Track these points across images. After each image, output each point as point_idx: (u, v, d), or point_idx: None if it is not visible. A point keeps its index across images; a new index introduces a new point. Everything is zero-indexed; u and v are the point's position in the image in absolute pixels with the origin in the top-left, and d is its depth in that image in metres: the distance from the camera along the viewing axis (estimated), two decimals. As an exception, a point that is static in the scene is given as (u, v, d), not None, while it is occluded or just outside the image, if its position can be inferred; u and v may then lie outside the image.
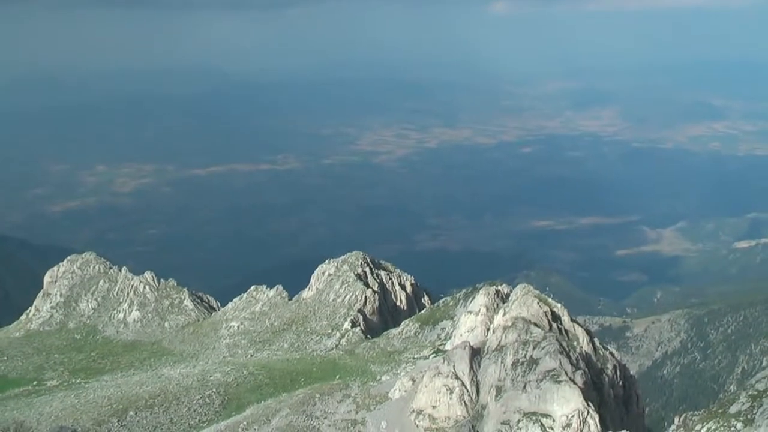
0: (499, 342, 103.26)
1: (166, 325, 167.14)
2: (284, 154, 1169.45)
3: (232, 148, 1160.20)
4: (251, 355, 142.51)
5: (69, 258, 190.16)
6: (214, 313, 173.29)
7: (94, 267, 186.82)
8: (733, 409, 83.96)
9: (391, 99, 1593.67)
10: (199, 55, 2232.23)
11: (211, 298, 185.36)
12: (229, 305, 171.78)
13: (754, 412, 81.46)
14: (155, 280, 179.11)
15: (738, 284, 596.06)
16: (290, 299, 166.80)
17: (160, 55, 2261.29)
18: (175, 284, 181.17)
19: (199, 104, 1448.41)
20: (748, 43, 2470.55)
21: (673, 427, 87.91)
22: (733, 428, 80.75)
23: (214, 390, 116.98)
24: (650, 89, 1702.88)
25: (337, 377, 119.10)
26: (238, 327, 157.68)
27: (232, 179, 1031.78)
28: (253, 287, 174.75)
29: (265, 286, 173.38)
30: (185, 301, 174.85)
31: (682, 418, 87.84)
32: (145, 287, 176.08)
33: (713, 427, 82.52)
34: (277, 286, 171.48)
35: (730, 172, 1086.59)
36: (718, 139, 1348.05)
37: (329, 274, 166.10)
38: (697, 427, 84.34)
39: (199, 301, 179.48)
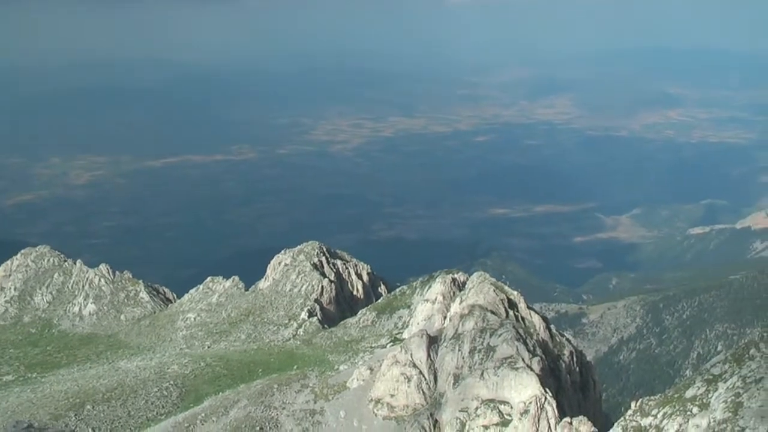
0: (456, 330, 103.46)
1: (122, 317, 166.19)
2: (240, 144, 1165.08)
3: (188, 139, 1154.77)
4: (208, 347, 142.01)
5: (23, 251, 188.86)
6: (170, 305, 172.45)
7: (48, 260, 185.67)
8: (688, 394, 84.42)
9: (347, 89, 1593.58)
10: (153, 46, 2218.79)
11: (167, 290, 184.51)
12: (186, 297, 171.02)
13: (710, 396, 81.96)
14: (110, 272, 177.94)
15: (693, 270, 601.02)
16: (247, 290, 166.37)
17: (115, 46, 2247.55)
18: (131, 276, 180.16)
19: (153, 95, 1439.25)
20: (702, 32, 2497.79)
21: (629, 411, 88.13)
22: (689, 412, 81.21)
23: (172, 382, 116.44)
24: (605, 77, 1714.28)
25: (295, 367, 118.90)
26: (194, 319, 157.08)
27: (188, 170, 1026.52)
28: (209, 278, 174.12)
29: (221, 277, 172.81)
30: (141, 294, 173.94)
31: (638, 403, 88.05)
32: (100, 280, 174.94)
33: (669, 412, 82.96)
34: (234, 277, 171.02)
35: (684, 159, 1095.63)
36: (673, 127, 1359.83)
37: (285, 265, 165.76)
38: (654, 412, 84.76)
39: (155, 293, 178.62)
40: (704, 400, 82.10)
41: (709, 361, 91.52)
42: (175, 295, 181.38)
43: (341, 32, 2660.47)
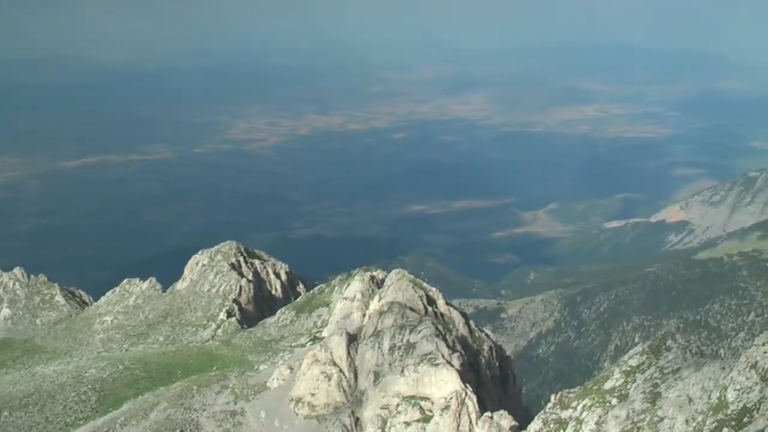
0: (376, 327, 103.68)
1: (38, 321, 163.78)
2: (156, 144, 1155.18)
3: (103, 140, 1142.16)
4: (126, 350, 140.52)
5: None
6: (87, 308, 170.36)
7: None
8: (607, 386, 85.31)
9: (263, 87, 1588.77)
10: (68, 44, 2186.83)
11: (83, 293, 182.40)
12: (102, 299, 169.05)
13: (628, 387, 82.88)
14: (25, 276, 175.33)
15: (609, 263, 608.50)
16: (164, 291, 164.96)
17: (29, 44, 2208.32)
18: (46, 280, 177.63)
19: (68, 95, 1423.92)
20: (616, 28, 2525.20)
21: (549, 404, 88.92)
22: (608, 404, 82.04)
23: (90, 386, 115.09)
24: (520, 73, 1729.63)
25: (215, 368, 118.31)
26: (111, 321, 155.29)
27: (104, 171, 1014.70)
28: (125, 280, 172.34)
29: (138, 279, 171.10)
30: (57, 297, 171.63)
31: (558, 396, 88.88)
32: (14, 284, 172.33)
33: (589, 404, 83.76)
34: (151, 278, 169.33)
35: (599, 154, 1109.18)
36: (588, 122, 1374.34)
37: (203, 265, 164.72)
38: (573, 404, 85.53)
39: (71, 296, 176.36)
40: (623, 392, 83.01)
41: (627, 353, 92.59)
42: (91, 298, 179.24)
43: (256, 29, 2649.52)
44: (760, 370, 70.27)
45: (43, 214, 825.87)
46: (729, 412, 69.89)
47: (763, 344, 72.12)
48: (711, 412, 71.57)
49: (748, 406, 68.72)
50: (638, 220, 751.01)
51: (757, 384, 69.56)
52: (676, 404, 76.08)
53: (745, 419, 68.09)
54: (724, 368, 75.46)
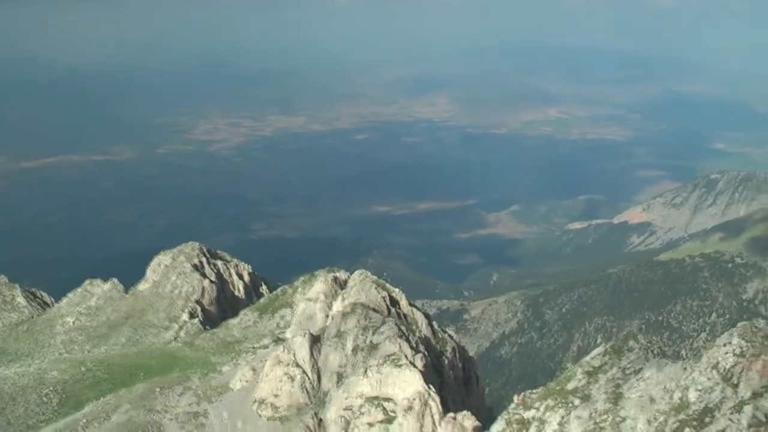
0: (339, 328, 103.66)
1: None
2: (118, 144, 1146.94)
3: (65, 140, 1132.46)
4: (88, 351, 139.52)
5: None
6: (48, 309, 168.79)
7: None
8: (570, 386, 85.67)
9: (225, 86, 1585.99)
10: (28, 44, 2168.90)
11: (44, 294, 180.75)
12: (64, 300, 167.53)
13: (591, 387, 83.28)
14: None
15: (572, 264, 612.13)
16: (126, 292, 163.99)
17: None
18: (7, 281, 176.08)
19: (29, 95, 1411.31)
20: (579, 30, 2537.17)
21: (512, 405, 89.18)
22: (570, 404, 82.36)
23: (51, 388, 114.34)
24: (484, 76, 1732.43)
25: (177, 370, 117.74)
26: (73, 323, 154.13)
27: (65, 171, 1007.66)
28: (87, 281, 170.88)
29: (99, 280, 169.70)
30: (17, 298, 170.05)
31: (521, 397, 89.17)
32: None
33: (552, 404, 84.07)
34: (112, 279, 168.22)
35: (562, 156, 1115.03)
36: (551, 124, 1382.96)
37: (165, 266, 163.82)
38: (536, 405, 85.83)
39: (32, 297, 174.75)
40: (585, 392, 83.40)
41: (589, 354, 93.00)
42: (53, 299, 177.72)
43: (216, 29, 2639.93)
44: (721, 371, 70.79)
45: (2, 215, 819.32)
46: (691, 412, 70.35)
47: (725, 345, 72.64)
48: (673, 412, 72.00)
49: (710, 406, 69.22)
50: (600, 222, 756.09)
51: (718, 384, 70.07)
52: (638, 404, 76.46)
53: (707, 419, 68.56)
54: (685, 369, 75.90)
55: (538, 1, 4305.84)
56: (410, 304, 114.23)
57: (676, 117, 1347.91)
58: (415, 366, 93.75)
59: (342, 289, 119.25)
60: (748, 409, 66.36)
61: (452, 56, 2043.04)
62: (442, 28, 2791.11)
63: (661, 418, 73.15)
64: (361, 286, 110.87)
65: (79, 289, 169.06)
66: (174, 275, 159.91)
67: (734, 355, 71.13)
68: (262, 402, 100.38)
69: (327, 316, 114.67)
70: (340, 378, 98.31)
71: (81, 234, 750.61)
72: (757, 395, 67.09)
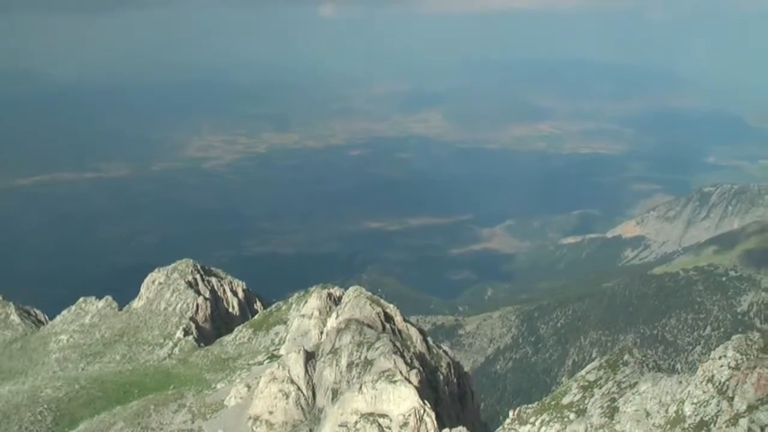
0: (333, 345, 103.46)
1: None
2: (111, 161, 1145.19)
3: (57, 156, 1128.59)
4: (82, 369, 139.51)
5: None
6: (42, 327, 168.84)
7: None
8: (565, 401, 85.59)
9: (219, 103, 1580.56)
10: (19, 57, 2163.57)
11: (38, 312, 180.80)
12: (58, 318, 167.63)
13: (586, 402, 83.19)
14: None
15: (566, 279, 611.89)
16: (120, 309, 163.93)
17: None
18: (1, 299, 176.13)
19: (20, 110, 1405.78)
20: (571, 44, 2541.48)
21: (507, 420, 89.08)
22: (566, 419, 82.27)
23: (46, 406, 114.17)
24: (476, 91, 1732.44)
25: (172, 387, 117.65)
26: (67, 340, 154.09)
27: (58, 188, 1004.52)
28: (81, 299, 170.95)
29: (94, 297, 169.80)
30: (12, 316, 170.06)
31: (516, 412, 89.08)
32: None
33: (547, 419, 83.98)
34: (107, 296, 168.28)
35: (555, 170, 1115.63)
36: (544, 139, 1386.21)
37: (159, 283, 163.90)
38: (532, 420, 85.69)
39: (26, 314, 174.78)
40: (581, 406, 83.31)
41: (584, 368, 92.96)
42: (47, 317, 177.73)
43: (211, 45, 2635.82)
44: (716, 384, 70.72)
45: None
46: (686, 425, 70.27)
47: (720, 358, 72.58)
48: (668, 426, 71.92)
49: (705, 419, 69.13)
50: (594, 236, 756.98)
51: (713, 397, 70.01)
52: (634, 418, 76.37)
53: (702, 432, 68.55)
54: (681, 382, 75.82)
55: (530, 16, 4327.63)
56: (405, 320, 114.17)
57: (669, 131, 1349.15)
58: (410, 382, 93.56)
59: (336, 305, 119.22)
60: (743, 422, 66.30)
61: (444, 71, 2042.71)
62: (434, 43, 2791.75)
63: (657, 432, 73.13)
64: (356, 302, 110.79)
65: (73, 307, 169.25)
66: (168, 292, 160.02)
67: (729, 368, 71.07)
68: (256, 419, 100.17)
69: (321, 333, 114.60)
70: (335, 394, 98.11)
71: (75, 251, 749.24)
72: (753, 408, 67.01)
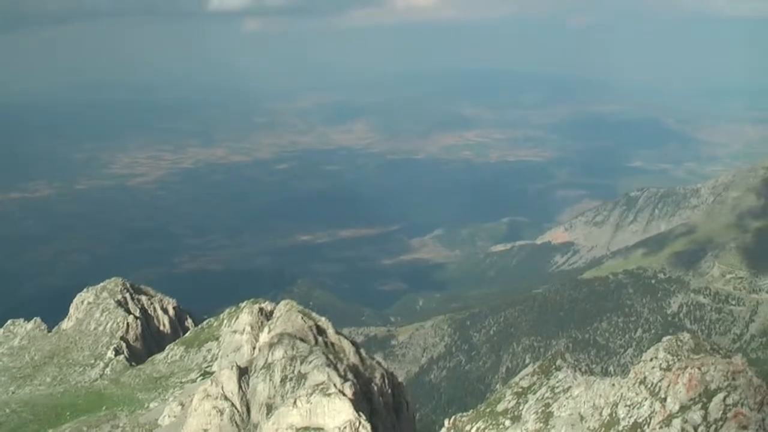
0: (266, 359, 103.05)
1: None
2: (36, 181, 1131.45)
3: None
4: (12, 392, 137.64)
5: None
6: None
7: None
8: (500, 407, 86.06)
9: (144, 119, 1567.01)
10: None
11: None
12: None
13: (521, 408, 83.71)
14: None
15: (497, 287, 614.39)
16: (50, 331, 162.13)
17: None
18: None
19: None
20: (494, 54, 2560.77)
21: (443, 429, 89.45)
22: (501, 426, 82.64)
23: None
24: (401, 102, 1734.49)
25: (104, 408, 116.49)
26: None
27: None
28: (9, 321, 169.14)
29: (22, 320, 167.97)
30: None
31: (452, 420, 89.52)
32: None
33: (482, 427, 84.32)
34: (35, 318, 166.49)
35: (483, 179, 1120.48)
36: (470, 148, 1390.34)
37: (89, 303, 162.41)
38: (467, 428, 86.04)
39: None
40: (516, 413, 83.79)
41: (518, 374, 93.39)
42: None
43: (135, 62, 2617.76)
44: (649, 385, 71.37)
45: None
46: (620, 428, 70.83)
47: (651, 359, 73.29)
48: (603, 429, 72.47)
49: (639, 421, 69.73)
50: (524, 243, 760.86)
51: (646, 399, 70.64)
52: (569, 423, 76.85)
53: (637, 434, 69.03)
54: (614, 385, 76.45)
55: (454, 28, 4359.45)
56: (337, 333, 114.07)
57: (594, 137, 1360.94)
58: (344, 394, 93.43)
59: (268, 319, 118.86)
60: (676, 422, 66.93)
61: (370, 83, 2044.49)
62: (359, 56, 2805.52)
63: (592, 436, 73.56)
64: (287, 316, 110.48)
65: (2, 330, 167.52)
66: (98, 312, 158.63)
67: (661, 369, 71.76)
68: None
69: (254, 348, 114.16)
70: (269, 409, 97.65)
71: (1, 273, 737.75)
72: (685, 408, 67.69)
